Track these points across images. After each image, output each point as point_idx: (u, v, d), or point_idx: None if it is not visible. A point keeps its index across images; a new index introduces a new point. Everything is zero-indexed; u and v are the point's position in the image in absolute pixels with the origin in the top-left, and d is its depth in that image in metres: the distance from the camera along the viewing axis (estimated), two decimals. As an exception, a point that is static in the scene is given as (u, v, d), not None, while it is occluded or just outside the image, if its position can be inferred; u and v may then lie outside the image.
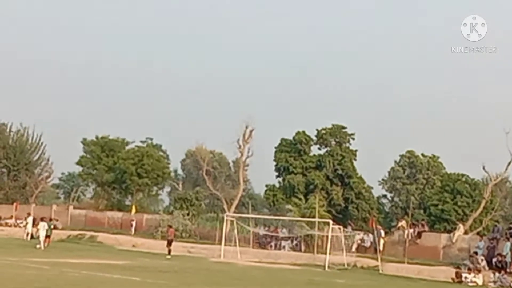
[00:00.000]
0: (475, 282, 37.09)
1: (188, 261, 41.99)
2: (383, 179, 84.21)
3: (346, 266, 43.48)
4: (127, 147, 78.89)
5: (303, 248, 51.08)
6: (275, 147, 75.78)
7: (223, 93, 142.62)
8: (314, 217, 50.75)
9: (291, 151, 74.64)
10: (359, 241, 49.67)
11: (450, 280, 38.00)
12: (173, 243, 45.77)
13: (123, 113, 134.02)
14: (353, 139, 75.27)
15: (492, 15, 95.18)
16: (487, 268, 39.35)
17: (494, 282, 36.69)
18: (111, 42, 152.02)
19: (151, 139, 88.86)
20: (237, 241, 48.12)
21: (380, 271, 41.61)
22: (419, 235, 47.22)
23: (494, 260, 39.80)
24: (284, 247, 51.73)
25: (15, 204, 65.62)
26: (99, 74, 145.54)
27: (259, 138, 62.50)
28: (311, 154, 75.54)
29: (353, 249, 48.51)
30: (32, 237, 51.27)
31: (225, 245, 47.20)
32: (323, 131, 74.80)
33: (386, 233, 50.60)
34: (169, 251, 44.63)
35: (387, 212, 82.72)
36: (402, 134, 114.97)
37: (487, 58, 76.14)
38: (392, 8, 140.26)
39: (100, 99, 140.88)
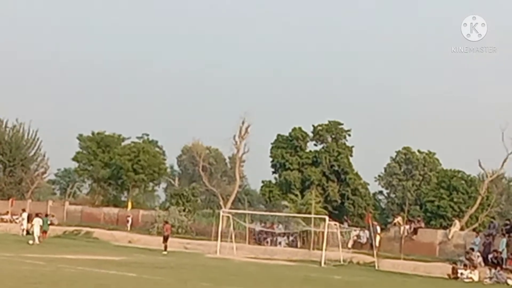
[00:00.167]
0: (471, 278, 37.09)
1: (184, 257, 41.96)
2: (379, 176, 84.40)
3: (342, 262, 43.47)
4: (123, 143, 78.91)
5: (299, 244, 51.03)
6: (271, 143, 75.90)
7: (219, 89, 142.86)
8: (310, 213, 50.78)
9: (287, 147, 74.72)
10: (355, 237, 49.65)
11: (446, 276, 38.00)
12: (169, 239, 45.71)
13: (119, 109, 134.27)
14: (350, 135, 75.46)
15: (492, 15, 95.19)
16: (483, 264, 39.35)
17: (490, 278, 36.69)
18: (107, 39, 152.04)
19: (147, 135, 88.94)
20: (233, 237, 48.11)
21: (376, 267, 41.62)
22: (415, 231, 47.21)
23: (490, 256, 39.82)
24: (280, 243, 51.69)
25: (11, 200, 65.52)
26: (95, 70, 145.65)
27: (255, 134, 62.51)
28: (307, 150, 75.66)
29: (349, 245, 48.49)
30: (28, 233, 51.22)
31: (221, 241, 47.18)
32: (320, 127, 74.89)
33: (382, 229, 50.62)
34: (165, 247, 44.58)
35: (383, 208, 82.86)
36: (398, 130, 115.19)
37: (485, 58, 76.06)
38: (391, 7, 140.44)
39: (96, 95, 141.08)
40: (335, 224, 46.88)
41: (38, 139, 79.70)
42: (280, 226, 53.21)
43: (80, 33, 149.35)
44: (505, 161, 50.67)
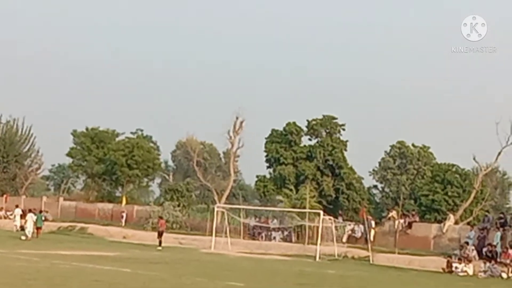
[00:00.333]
0: (465, 272, 37.13)
1: (179, 252, 41.94)
2: (373, 170, 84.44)
3: (337, 256, 43.49)
4: (117, 139, 78.88)
5: (293, 239, 51.06)
6: (266, 138, 75.87)
7: (213, 84, 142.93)
8: (304, 207, 50.80)
9: (281, 142, 74.69)
10: (349, 232, 49.70)
11: (441, 270, 38.03)
12: (164, 235, 45.68)
13: (114, 105, 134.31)
14: (344, 129, 75.45)
15: (492, 15, 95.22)
16: (477, 258, 39.41)
17: (485, 271, 36.72)
18: (101, 35, 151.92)
19: (142, 130, 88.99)
20: (228, 232, 48.07)
21: (371, 262, 41.63)
22: (409, 225, 47.26)
23: (484, 250, 39.87)
24: (274, 238, 51.72)
25: (5, 196, 65.53)
26: (88, 66, 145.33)
27: (249, 129, 62.56)
28: (302, 145, 75.64)
29: (344, 239, 48.53)
30: (22, 229, 51.15)
31: (216, 236, 47.15)
32: (314, 122, 74.86)
33: (376, 223, 50.66)
34: (160, 242, 44.53)
35: (377, 203, 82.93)
36: (393, 124, 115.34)
37: (484, 57, 76.31)
38: (389, 4, 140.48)
39: (90, 91, 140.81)
40: (330, 219, 46.89)
41: (32, 135, 79.78)
42: (275, 221, 53.23)
43: (73, 29, 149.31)
44: (499, 154, 50.73)
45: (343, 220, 52.58)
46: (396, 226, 46.71)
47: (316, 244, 43.62)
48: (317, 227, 45.11)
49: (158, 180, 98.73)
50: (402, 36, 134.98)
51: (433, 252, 43.63)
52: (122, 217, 59.92)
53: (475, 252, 39.91)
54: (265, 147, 75.53)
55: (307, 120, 75.35)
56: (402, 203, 55.88)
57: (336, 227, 47.02)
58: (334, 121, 74.79)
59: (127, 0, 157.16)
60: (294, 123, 75.13)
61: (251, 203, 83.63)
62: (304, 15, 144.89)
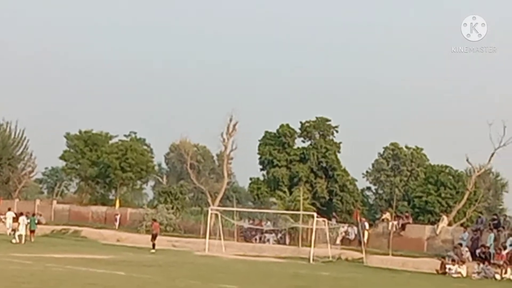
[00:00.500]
0: (459, 273, 37.21)
1: (172, 255, 41.91)
2: (367, 172, 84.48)
3: (330, 258, 43.55)
4: (110, 141, 78.72)
5: (287, 241, 51.12)
6: (259, 140, 75.87)
7: (206, 86, 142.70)
8: (298, 210, 50.82)
9: (275, 144, 74.71)
10: (343, 234, 49.79)
11: (435, 272, 38.13)
12: (158, 237, 45.66)
13: (107, 107, 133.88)
14: (337, 131, 75.51)
15: (492, 15, 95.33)
16: (471, 259, 39.52)
17: (478, 273, 36.81)
18: (95, 38, 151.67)
19: (135, 133, 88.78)
20: (221, 234, 48.08)
21: (365, 263, 41.70)
22: (403, 227, 47.36)
23: (478, 251, 39.97)
24: (268, 240, 51.77)
25: (-2, 199, 65.27)
26: (82, 68, 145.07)
27: (243, 131, 62.46)
28: (295, 147, 75.67)
29: (338, 241, 48.64)
30: (14, 231, 51.05)
31: (209, 238, 47.18)
32: (307, 124, 74.91)
33: (370, 225, 50.72)
34: (154, 245, 44.51)
35: (371, 205, 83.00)
36: (386, 126, 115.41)
37: (484, 57, 76.44)
38: (388, 4, 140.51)
39: (83, 93, 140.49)
40: (324, 221, 46.97)
41: (25, 138, 79.51)
42: (269, 223, 53.29)
43: (67, 31, 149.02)
44: (492, 156, 50.78)
45: (337, 222, 52.63)
46: (389, 228, 46.80)
47: (310, 246, 43.66)
48: (311, 229, 45.16)
49: (151, 182, 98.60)
50: (402, 36, 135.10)
51: (427, 253, 43.73)
52: (116, 220, 59.88)
53: (468, 254, 40.03)
54: (259, 149, 75.54)
55: (300, 122, 75.41)
56: (396, 205, 55.91)
57: (329, 229, 47.10)
58: (328, 123, 74.83)
59: (124, 2, 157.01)
60: (287, 125, 75.16)
61: (245, 205, 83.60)
62: (297, 15, 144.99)
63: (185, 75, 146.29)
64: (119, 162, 71.95)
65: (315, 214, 46.51)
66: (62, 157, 78.76)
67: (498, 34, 70.81)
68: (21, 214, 47.53)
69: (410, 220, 49.94)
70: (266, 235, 52.30)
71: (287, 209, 52.79)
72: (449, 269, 37.67)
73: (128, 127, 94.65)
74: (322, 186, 72.39)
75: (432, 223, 52.91)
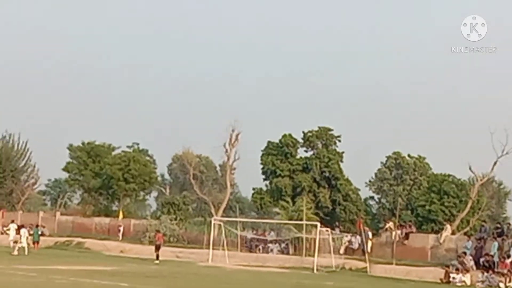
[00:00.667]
0: (463, 282, 37.20)
1: (176, 265, 41.93)
2: (370, 181, 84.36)
3: (334, 268, 43.50)
4: (113, 153, 78.78)
5: (291, 251, 51.04)
6: (262, 150, 75.88)
7: (209, 97, 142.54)
8: (301, 219, 50.77)
9: (277, 154, 74.73)
10: (347, 243, 49.70)
11: (439, 281, 38.10)
12: (161, 248, 45.66)
13: (109, 119, 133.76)
14: (340, 141, 75.51)
15: (492, 15, 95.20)
16: (475, 268, 39.46)
17: (482, 281, 36.80)
18: (97, 49, 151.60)
19: (138, 144, 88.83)
20: (225, 245, 48.05)
21: (369, 273, 41.65)
22: (406, 236, 47.29)
23: (482, 260, 39.92)
24: (272, 250, 51.68)
25: (1, 211, 65.29)
26: (84, 79, 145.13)
27: (245, 142, 62.44)
28: (298, 156, 75.68)
29: (341, 251, 48.52)
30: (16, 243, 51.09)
31: (213, 249, 47.14)
32: (310, 134, 74.94)
33: (373, 234, 50.68)
34: (157, 256, 44.51)
35: (374, 214, 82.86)
36: (389, 135, 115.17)
37: (485, 59, 76.42)
38: (387, 8, 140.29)
39: (86, 105, 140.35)
40: (327, 230, 46.90)
41: (28, 149, 79.61)
42: (272, 233, 53.20)
43: (70, 43, 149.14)
44: (495, 164, 50.69)
45: (340, 231, 52.58)
46: (393, 237, 46.73)
47: (313, 256, 43.63)
48: (314, 239, 45.11)
49: (154, 193, 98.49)
50: (403, 42, 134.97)
51: (431, 262, 43.65)
52: (119, 231, 59.83)
53: (472, 262, 39.96)
54: (261, 160, 75.56)
55: (303, 132, 75.44)
56: (399, 214, 55.86)
57: (333, 238, 47.02)
58: (330, 132, 74.87)
59: (123, 13, 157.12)
60: (290, 135, 75.20)
61: (248, 215, 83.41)
62: (300, 25, 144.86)
63: (187, 85, 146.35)
64: (122, 173, 72.00)
65: (318, 224, 46.48)
66: (65, 169, 78.86)
67: (498, 34, 70.74)
68: (22, 226, 47.57)
69: (414, 229, 49.85)
70: (270, 245, 52.21)
71: (290, 219, 52.78)
72: (453, 278, 37.65)
73: (131, 138, 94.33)
74: (325, 195, 72.35)
75: (436, 232, 52.79)
